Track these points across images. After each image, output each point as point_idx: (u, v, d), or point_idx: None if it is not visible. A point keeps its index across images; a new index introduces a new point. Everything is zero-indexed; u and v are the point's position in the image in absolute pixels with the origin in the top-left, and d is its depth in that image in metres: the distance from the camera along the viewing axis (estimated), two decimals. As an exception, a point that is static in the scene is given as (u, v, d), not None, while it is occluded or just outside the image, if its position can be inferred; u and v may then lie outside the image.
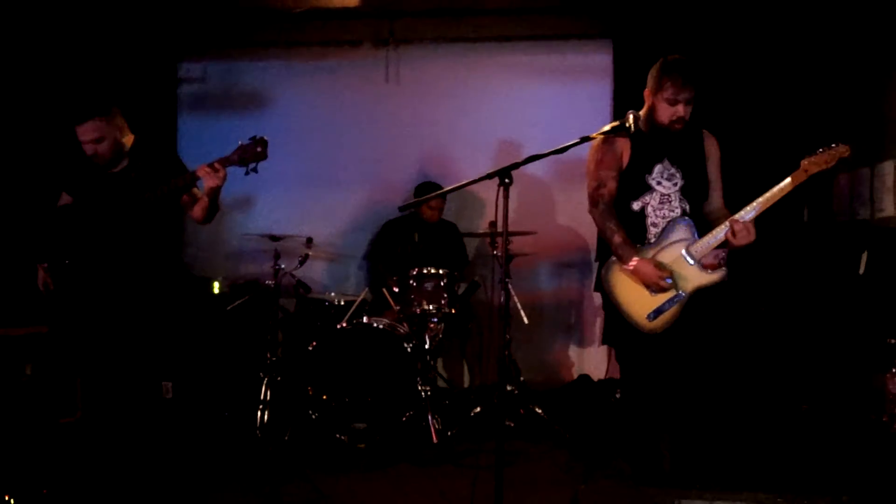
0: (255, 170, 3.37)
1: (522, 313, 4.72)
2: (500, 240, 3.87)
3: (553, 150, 2.80)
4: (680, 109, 3.07)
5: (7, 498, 3.13)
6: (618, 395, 4.62)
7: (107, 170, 3.56)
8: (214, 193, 3.41)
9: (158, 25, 5.51)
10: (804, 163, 2.96)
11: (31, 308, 4.25)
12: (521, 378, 4.91)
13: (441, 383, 5.29)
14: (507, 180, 2.73)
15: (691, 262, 3.08)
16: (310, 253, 4.86)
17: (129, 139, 3.60)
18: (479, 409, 4.65)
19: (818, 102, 4.89)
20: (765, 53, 5.06)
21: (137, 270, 3.53)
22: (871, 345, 4.00)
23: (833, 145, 2.95)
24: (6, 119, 4.87)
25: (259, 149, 3.34)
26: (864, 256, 4.35)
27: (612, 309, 3.22)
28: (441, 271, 4.60)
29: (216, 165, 3.33)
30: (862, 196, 4.56)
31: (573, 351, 5.72)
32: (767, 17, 5.03)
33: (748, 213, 2.99)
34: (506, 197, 2.74)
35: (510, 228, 2.82)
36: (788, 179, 2.97)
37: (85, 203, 3.56)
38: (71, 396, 4.24)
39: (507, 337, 4.58)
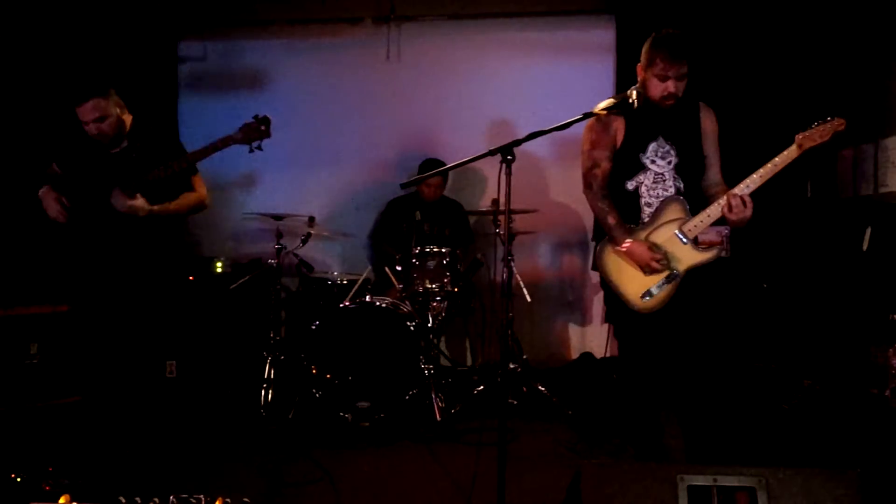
0: (259, 147, 3.42)
1: (525, 291, 4.73)
2: (502, 217, 3.86)
3: (555, 126, 2.79)
4: (670, 86, 3.01)
5: (13, 476, 3.15)
6: (619, 373, 4.63)
7: (107, 150, 3.56)
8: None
9: (158, 3, 5.47)
10: (799, 137, 2.92)
11: (36, 287, 4.27)
12: (524, 356, 4.92)
13: (444, 362, 5.31)
14: (508, 157, 2.72)
15: (685, 241, 3.04)
16: (312, 232, 4.85)
17: (128, 119, 3.61)
18: (482, 387, 4.67)
19: (822, 77, 4.85)
20: (769, 27, 5.02)
21: (139, 250, 3.54)
22: (873, 320, 4.00)
23: (828, 119, 2.90)
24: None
25: (263, 127, 3.41)
26: (868, 232, 4.34)
27: (608, 288, 3.20)
28: (443, 250, 4.60)
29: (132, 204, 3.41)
30: (866, 172, 4.54)
31: (576, 329, 5.73)
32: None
33: (744, 188, 2.95)
34: (508, 174, 2.73)
35: (512, 206, 2.80)
36: (783, 154, 2.93)
37: (86, 183, 3.55)
38: (74, 376, 4.26)
39: (510, 315, 4.58)
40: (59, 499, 2.24)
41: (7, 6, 4.79)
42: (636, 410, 3.27)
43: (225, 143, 3.39)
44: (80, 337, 3.79)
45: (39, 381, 4.13)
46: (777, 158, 2.93)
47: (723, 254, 3.07)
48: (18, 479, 3.14)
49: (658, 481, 2.33)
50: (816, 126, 2.91)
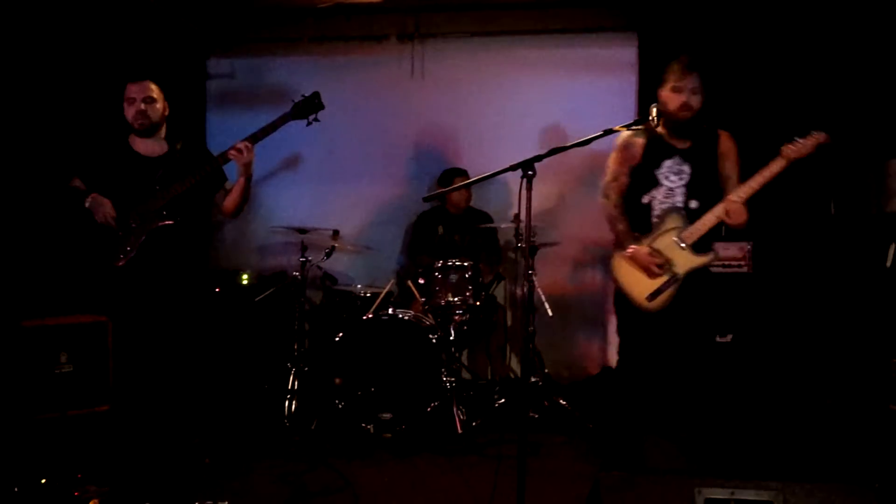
0: (316, 119, 3.62)
1: (547, 305, 4.75)
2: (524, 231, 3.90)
3: (576, 142, 2.84)
4: (684, 97, 3.33)
5: (44, 482, 3.23)
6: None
7: (146, 158, 3.63)
8: (248, 172, 3.56)
9: (187, 21, 5.59)
10: (783, 149, 3.21)
11: (65, 297, 4.35)
12: (545, 370, 4.94)
13: (465, 375, 5.33)
14: (529, 172, 2.77)
15: (683, 245, 3.38)
16: (336, 245, 4.91)
17: (165, 115, 3.71)
18: (503, 400, 4.70)
19: (843, 95, 4.83)
20: (791, 45, 5.00)
21: (176, 259, 3.62)
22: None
23: (812, 133, 3.19)
24: (36, 112, 4.91)
25: (315, 100, 3.60)
26: (892, 249, 4.33)
27: (619, 292, 3.51)
28: (466, 263, 4.64)
29: (240, 146, 3.50)
30: (890, 188, 4.52)
31: (597, 343, 5.72)
32: (795, 8, 4.98)
33: (739, 195, 3.27)
34: (529, 189, 2.77)
35: (534, 221, 2.85)
36: (771, 165, 3.24)
37: (126, 189, 3.57)
38: (103, 385, 4.33)
39: (531, 329, 4.61)
40: None
41: (40, 23, 4.89)
42: (623, 419, 3.58)
43: (282, 120, 3.57)
44: (118, 346, 3.88)
45: (69, 390, 4.20)
46: (765, 170, 3.25)
47: (715, 260, 3.46)
48: (48, 486, 3.21)
49: (675, 494, 2.35)
50: (800, 140, 3.20)
